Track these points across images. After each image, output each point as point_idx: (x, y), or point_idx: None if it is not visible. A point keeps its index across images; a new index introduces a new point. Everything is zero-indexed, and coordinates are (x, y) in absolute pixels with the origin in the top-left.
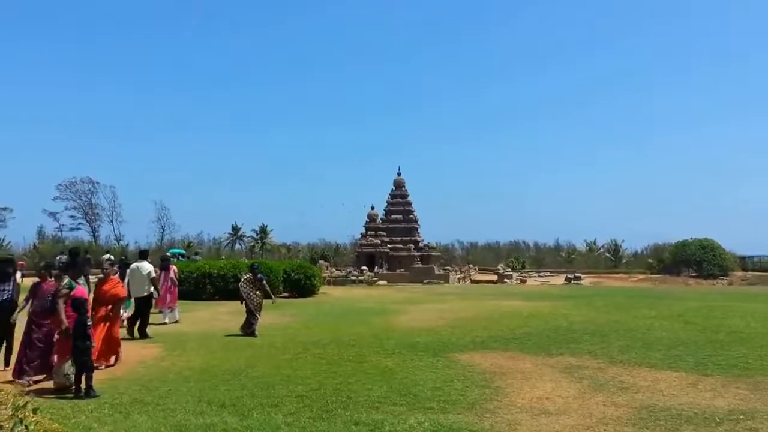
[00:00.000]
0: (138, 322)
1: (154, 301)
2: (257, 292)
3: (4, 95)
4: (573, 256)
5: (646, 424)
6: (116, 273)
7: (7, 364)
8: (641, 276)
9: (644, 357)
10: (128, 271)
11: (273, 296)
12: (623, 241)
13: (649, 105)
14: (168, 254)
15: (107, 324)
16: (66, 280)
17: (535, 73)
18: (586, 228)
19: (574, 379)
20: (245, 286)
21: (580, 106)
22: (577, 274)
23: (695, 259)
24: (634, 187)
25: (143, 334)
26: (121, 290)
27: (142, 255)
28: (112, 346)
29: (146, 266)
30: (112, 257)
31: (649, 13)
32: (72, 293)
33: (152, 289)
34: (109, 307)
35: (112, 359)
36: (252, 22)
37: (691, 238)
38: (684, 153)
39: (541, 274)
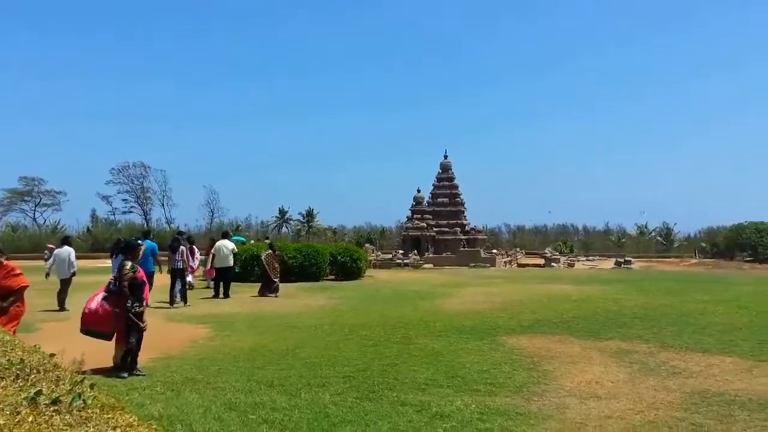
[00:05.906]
0: (222, 287)
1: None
2: (275, 264)
3: (62, 86)
4: (623, 240)
5: (698, 409)
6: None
7: None
8: (694, 260)
9: (697, 342)
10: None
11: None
12: (675, 224)
13: (705, 90)
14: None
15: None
16: (129, 263)
17: (590, 56)
18: (637, 211)
19: (624, 364)
20: (267, 258)
21: (634, 90)
22: (627, 258)
23: (750, 243)
24: (687, 170)
25: (226, 295)
26: (16, 281)
27: (225, 235)
28: None
29: (229, 244)
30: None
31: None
32: (133, 275)
33: (231, 261)
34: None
35: None
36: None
37: (747, 222)
38: (739, 135)
39: (590, 258)
